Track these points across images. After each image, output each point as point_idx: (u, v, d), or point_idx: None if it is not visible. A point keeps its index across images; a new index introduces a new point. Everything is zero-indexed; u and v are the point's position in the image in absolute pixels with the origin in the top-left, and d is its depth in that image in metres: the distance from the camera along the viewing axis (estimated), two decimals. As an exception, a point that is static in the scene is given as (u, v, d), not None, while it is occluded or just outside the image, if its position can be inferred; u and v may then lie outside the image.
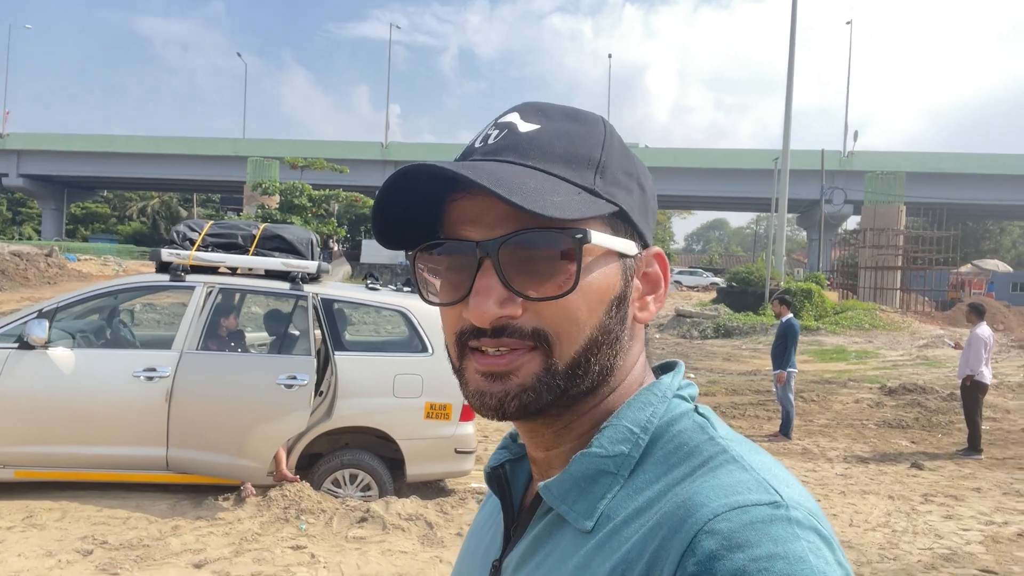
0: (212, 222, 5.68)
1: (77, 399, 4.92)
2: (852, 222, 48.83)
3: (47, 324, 4.87)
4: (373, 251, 43.98)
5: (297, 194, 33.02)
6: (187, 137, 55.02)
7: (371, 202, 35.12)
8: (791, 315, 9.00)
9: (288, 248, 5.61)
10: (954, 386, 13.99)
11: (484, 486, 5.72)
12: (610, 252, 0.63)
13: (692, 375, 15.21)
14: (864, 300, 30.70)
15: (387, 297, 5.55)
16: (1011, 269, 46.89)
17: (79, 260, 38.55)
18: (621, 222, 0.65)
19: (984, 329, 8.50)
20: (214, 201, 75.06)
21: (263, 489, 5.03)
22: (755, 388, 13.45)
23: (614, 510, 0.60)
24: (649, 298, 0.68)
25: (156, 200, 71.07)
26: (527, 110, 0.67)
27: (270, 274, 5.54)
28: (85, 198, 70.61)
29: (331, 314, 5.42)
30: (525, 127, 0.65)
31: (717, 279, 44.26)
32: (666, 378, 0.68)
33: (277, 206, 34.59)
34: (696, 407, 0.66)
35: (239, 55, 63.33)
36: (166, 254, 5.32)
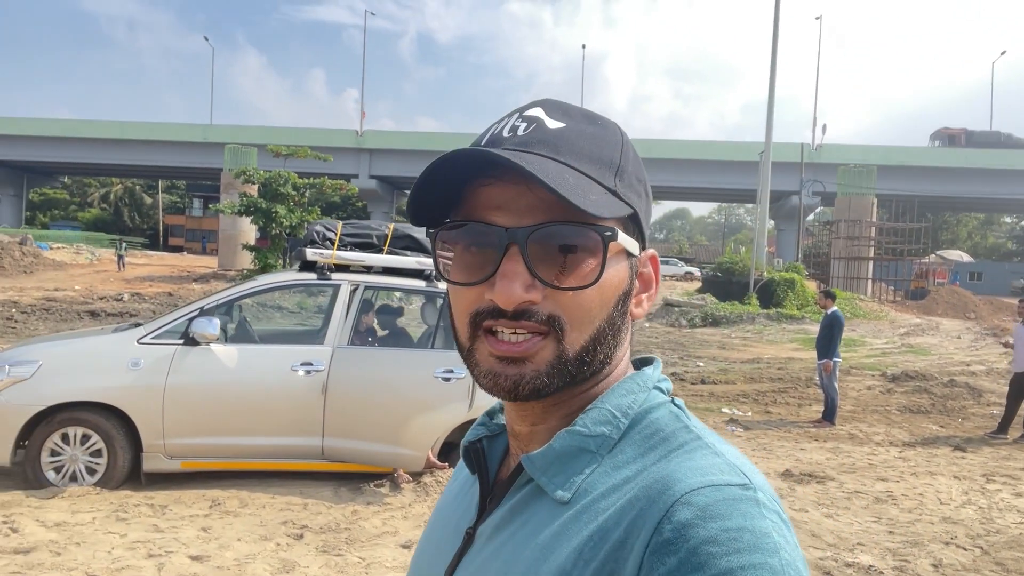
0: (342, 222, 5.92)
1: (240, 392, 5.15)
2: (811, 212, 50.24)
3: (218, 322, 5.08)
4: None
5: (282, 182, 32.81)
6: (154, 123, 53.82)
7: (354, 189, 34.60)
8: (835, 307, 9.54)
9: (418, 247, 5.89)
10: (950, 373, 14.83)
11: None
12: (623, 251, 0.67)
13: (700, 363, 15.78)
14: (838, 289, 31.86)
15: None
16: (972, 259, 49.03)
17: (51, 248, 37.67)
18: (632, 224, 0.69)
19: None
20: (179, 188, 73.59)
21: (414, 476, 5.33)
22: (769, 376, 14.02)
23: (591, 485, 0.64)
24: (643, 296, 0.73)
25: (119, 187, 69.39)
26: (550, 107, 0.70)
27: (393, 271, 5.80)
28: (43, 184, 68.54)
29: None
30: (552, 123, 0.67)
31: (692, 268, 45.44)
32: (648, 370, 0.73)
33: (256, 194, 34.34)
34: (672, 399, 0.71)
35: (206, 39, 62.01)
36: (311, 254, 5.56)
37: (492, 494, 0.73)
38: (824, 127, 44.30)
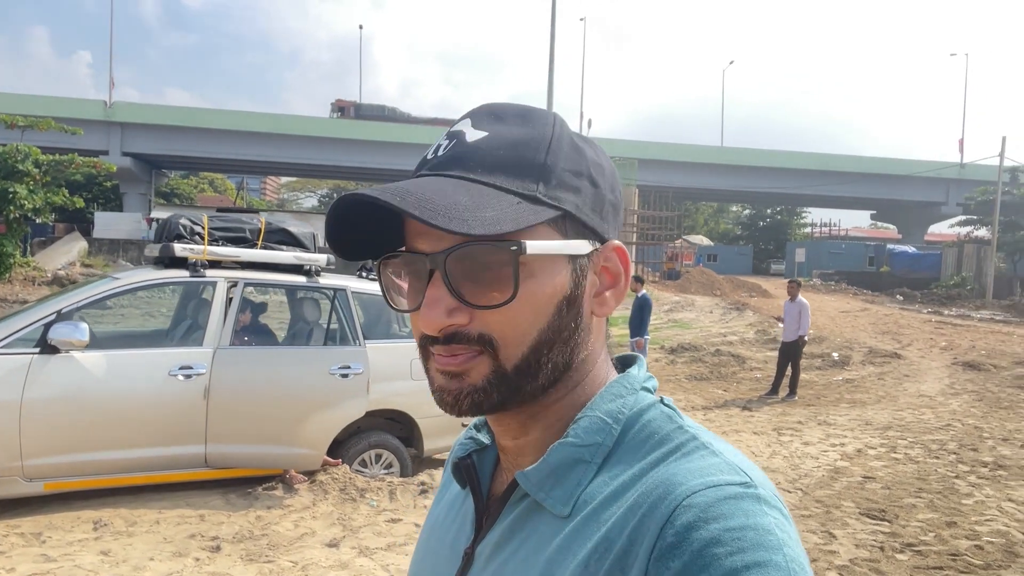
0: (206, 215, 5.56)
1: (112, 402, 4.69)
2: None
3: (86, 327, 4.57)
4: (106, 224, 39.30)
5: (21, 158, 28.48)
6: None
7: (112, 167, 31.18)
8: (644, 291, 10.64)
9: (293, 242, 5.73)
10: (713, 344, 17.04)
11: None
12: (557, 256, 0.65)
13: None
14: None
15: (394, 288, 5.94)
16: (710, 242, 56.00)
17: None
18: (570, 223, 0.66)
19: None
20: None
21: (307, 475, 5.24)
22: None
23: (590, 495, 0.63)
24: (608, 293, 0.70)
25: None
26: (479, 115, 0.69)
27: (268, 267, 5.60)
28: None
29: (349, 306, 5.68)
30: (473, 135, 0.66)
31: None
32: (633, 370, 0.72)
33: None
34: (661, 398, 0.69)
35: None
36: (180, 249, 5.18)
37: (487, 511, 0.72)
38: (590, 122, 47.66)
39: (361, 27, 59.55)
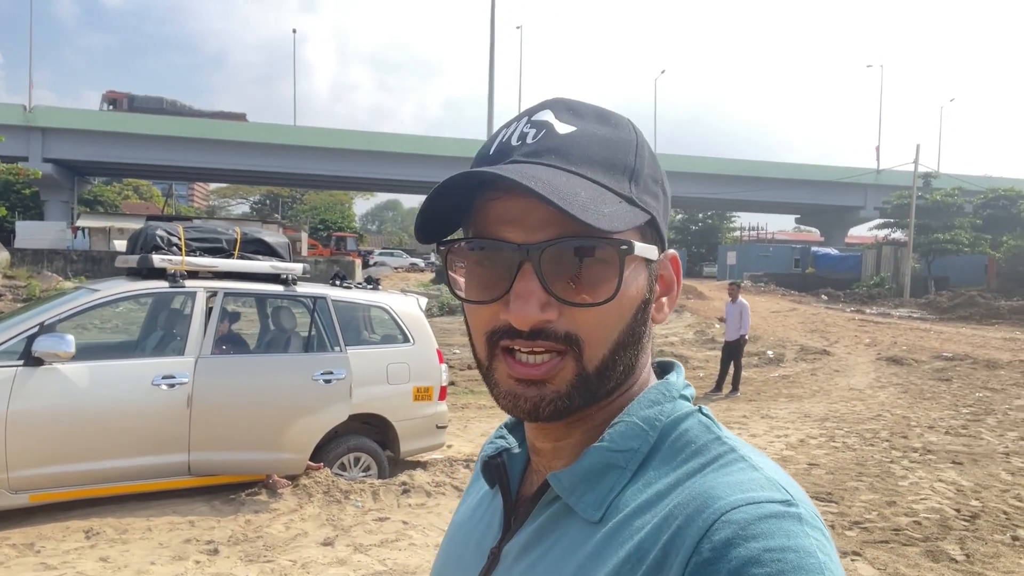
0: (181, 225, 5.63)
1: (95, 413, 4.73)
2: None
3: (71, 338, 4.60)
4: (29, 234, 37.64)
5: (-64, 166, 27.18)
6: None
7: (37, 173, 30.02)
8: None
9: (269, 251, 5.84)
10: (656, 344, 17.61)
11: (448, 455, 6.60)
12: (641, 259, 0.65)
13: (456, 351, 16.76)
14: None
15: (370, 295, 6.12)
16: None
17: None
18: (650, 228, 0.67)
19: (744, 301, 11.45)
20: None
21: (290, 479, 5.36)
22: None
23: (623, 502, 0.62)
24: (664, 299, 0.71)
25: None
26: (559, 108, 0.67)
27: (245, 276, 5.70)
28: None
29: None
30: (562, 128, 0.65)
31: (417, 260, 47.12)
32: (672, 377, 0.71)
33: None
34: (700, 407, 0.68)
35: None
36: (158, 260, 5.24)
37: (516, 511, 0.71)
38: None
39: (295, 31, 58.83)
